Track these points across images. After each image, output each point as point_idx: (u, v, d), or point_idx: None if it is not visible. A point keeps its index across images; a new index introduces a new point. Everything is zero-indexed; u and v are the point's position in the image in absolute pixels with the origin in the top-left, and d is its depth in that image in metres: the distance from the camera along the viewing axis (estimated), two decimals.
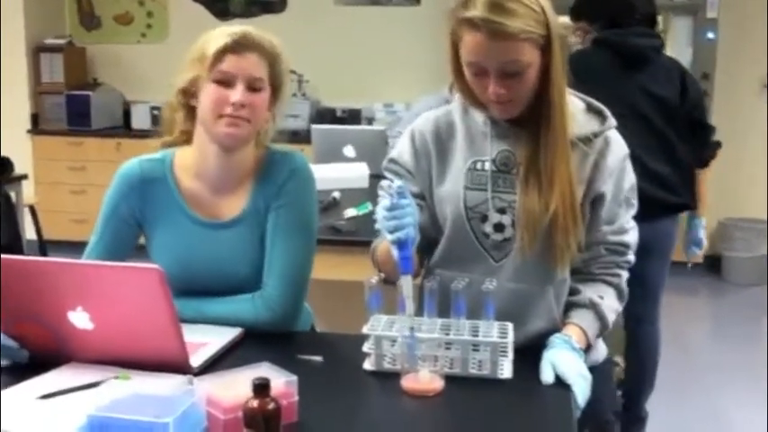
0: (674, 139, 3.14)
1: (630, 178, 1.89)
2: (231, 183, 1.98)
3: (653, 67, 3.13)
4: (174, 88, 1.95)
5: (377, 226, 1.93)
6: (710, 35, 5.86)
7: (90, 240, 2.02)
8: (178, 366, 1.63)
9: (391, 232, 1.62)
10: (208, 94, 1.88)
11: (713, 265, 6.16)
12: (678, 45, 5.92)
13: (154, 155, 2.03)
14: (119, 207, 1.99)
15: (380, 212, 1.64)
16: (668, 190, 3.05)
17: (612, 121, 1.86)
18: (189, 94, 1.94)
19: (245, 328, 1.89)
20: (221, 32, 1.90)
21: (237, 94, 1.87)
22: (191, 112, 1.96)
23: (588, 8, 3.29)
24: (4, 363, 1.71)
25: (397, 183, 1.65)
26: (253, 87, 1.89)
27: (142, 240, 2.05)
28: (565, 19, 3.20)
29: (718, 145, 3.36)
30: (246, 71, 1.88)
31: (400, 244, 1.62)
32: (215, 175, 1.97)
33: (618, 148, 1.87)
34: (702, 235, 3.39)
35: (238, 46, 1.87)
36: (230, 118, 1.88)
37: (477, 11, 1.67)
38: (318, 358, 1.76)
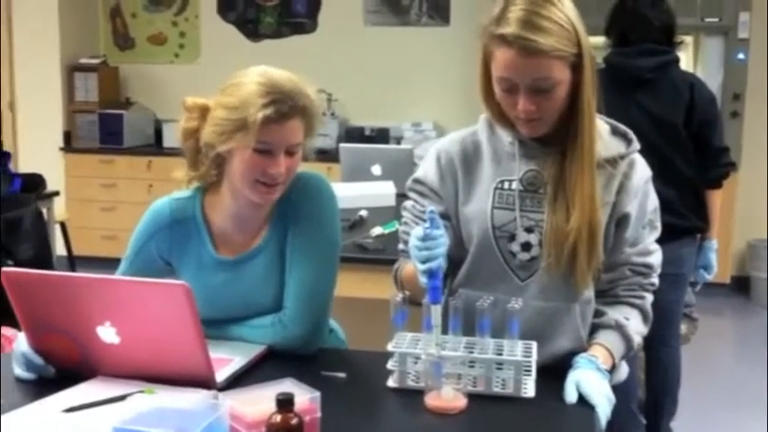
0: (679, 161, 3.08)
1: (654, 200, 1.89)
2: (261, 219, 1.98)
3: (657, 87, 3.08)
4: (204, 139, 1.88)
5: (400, 246, 1.94)
6: (741, 56, 5.84)
7: (120, 266, 2.03)
8: (203, 381, 1.64)
9: (423, 262, 1.62)
10: (244, 161, 1.83)
11: (741, 285, 6.10)
12: (709, 66, 5.90)
13: (185, 192, 2.00)
14: (147, 245, 2.00)
15: (413, 241, 1.64)
16: (673, 214, 2.90)
17: (637, 145, 1.86)
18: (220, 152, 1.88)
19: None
20: (260, 90, 1.80)
21: (278, 166, 1.82)
22: (219, 157, 1.89)
23: (604, 22, 3.24)
24: (31, 376, 1.74)
25: (430, 207, 1.66)
26: (291, 152, 1.85)
27: None
28: (596, 39, 3.18)
29: (730, 166, 3.23)
30: (287, 140, 1.83)
31: (430, 273, 1.62)
32: (246, 218, 1.96)
33: (642, 170, 1.87)
34: (713, 259, 3.27)
35: (281, 117, 1.80)
36: (266, 187, 1.85)
37: (510, 27, 1.68)
38: (342, 375, 1.77)
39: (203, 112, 1.90)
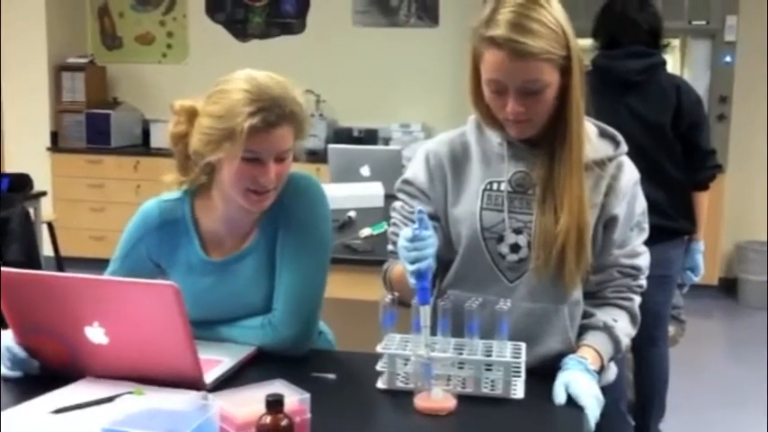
0: (667, 163, 3.10)
1: (642, 203, 1.90)
2: (252, 222, 1.97)
3: (645, 89, 3.09)
4: (192, 147, 1.86)
5: (389, 247, 1.94)
6: (728, 59, 5.87)
7: (109, 266, 2.03)
8: (192, 382, 1.64)
9: (412, 263, 1.62)
10: (233, 170, 1.81)
11: (729, 287, 6.14)
12: (696, 68, 5.93)
13: (174, 194, 1.99)
14: (136, 247, 1.99)
15: (402, 242, 1.64)
16: (661, 215, 2.93)
17: (625, 147, 1.87)
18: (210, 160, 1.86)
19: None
20: (247, 98, 1.78)
21: (268, 173, 1.81)
22: (208, 164, 1.88)
23: (592, 25, 3.26)
24: (17, 374, 1.73)
25: (418, 207, 1.66)
26: (280, 158, 1.84)
27: None
28: (583, 41, 3.19)
29: (717, 168, 3.26)
30: (276, 148, 1.81)
31: (419, 274, 1.62)
32: (237, 222, 1.95)
33: (630, 172, 1.87)
34: (700, 260, 3.29)
35: (268, 125, 1.78)
36: (257, 194, 1.84)
37: (499, 30, 1.68)
38: (332, 376, 1.77)
39: (191, 115, 1.88)
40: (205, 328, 1.91)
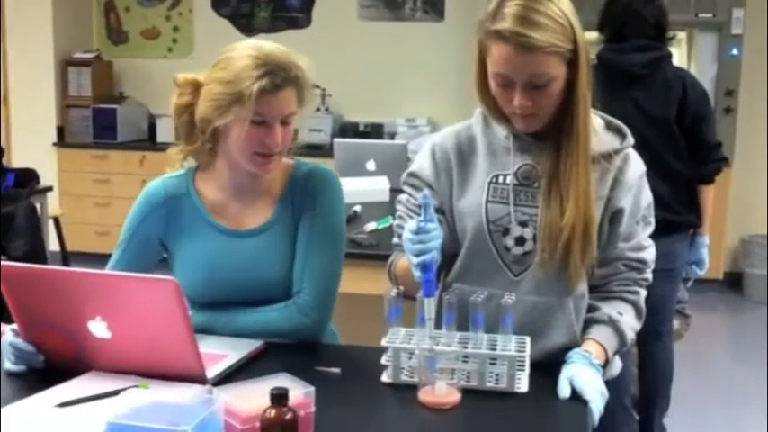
0: (671, 156, 3.10)
1: (647, 196, 1.89)
2: (257, 193, 2.01)
3: (650, 83, 3.09)
4: (200, 114, 1.90)
5: (394, 240, 1.94)
6: (735, 51, 5.86)
7: (113, 255, 2.04)
8: (193, 377, 1.64)
9: (416, 255, 1.62)
10: (242, 133, 1.86)
11: (734, 281, 6.12)
12: (703, 61, 5.91)
13: (177, 171, 2.04)
14: (141, 226, 2.01)
15: (406, 234, 1.64)
16: (666, 209, 2.90)
17: (631, 140, 1.86)
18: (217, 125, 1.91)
19: (277, 337, 1.92)
20: (254, 63, 1.84)
21: (275, 136, 1.87)
22: (214, 131, 1.92)
23: (597, 18, 3.25)
24: (21, 369, 1.73)
25: (424, 192, 1.68)
26: (285, 122, 1.90)
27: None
28: (589, 35, 3.18)
29: (722, 161, 3.25)
30: (282, 111, 1.88)
31: (424, 266, 1.63)
32: (243, 188, 2.00)
33: (636, 165, 1.87)
34: (705, 254, 3.30)
35: (275, 88, 1.84)
36: (264, 157, 1.89)
37: (505, 23, 1.68)
38: (336, 370, 1.77)
39: (195, 87, 1.94)
40: (226, 315, 1.94)
